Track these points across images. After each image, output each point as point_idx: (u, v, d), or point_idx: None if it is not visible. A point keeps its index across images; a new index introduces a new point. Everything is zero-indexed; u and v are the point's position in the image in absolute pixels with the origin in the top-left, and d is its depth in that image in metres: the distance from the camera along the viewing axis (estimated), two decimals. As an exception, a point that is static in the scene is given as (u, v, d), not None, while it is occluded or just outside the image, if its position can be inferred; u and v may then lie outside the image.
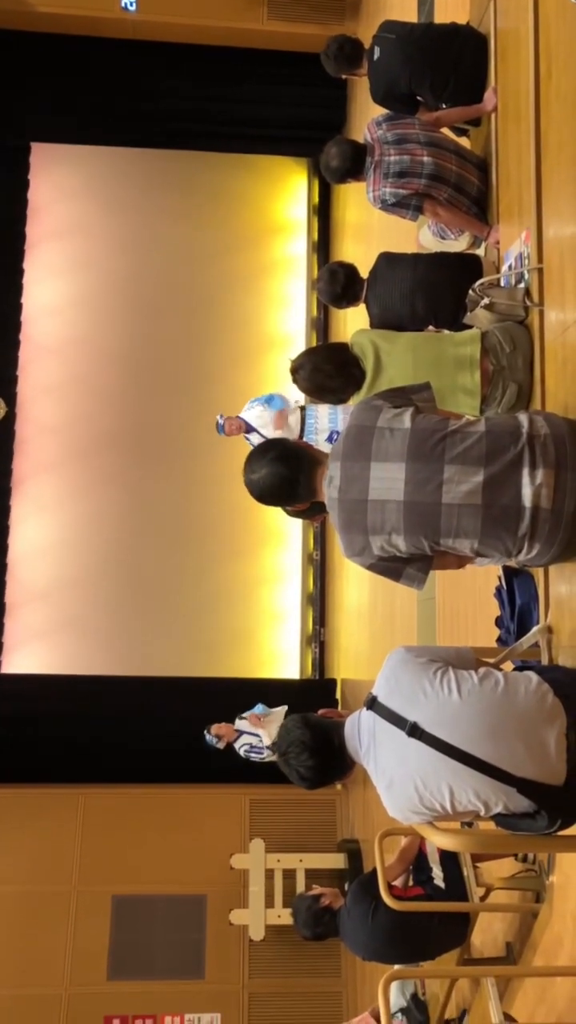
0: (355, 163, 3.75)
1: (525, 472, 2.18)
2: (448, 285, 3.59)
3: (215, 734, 7.09)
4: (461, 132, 4.09)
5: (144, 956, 7.15)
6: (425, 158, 3.66)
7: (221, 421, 6.74)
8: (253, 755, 7.10)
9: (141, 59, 8.67)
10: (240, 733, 7.13)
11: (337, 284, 3.93)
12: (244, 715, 7.21)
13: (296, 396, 6.73)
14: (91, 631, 9.10)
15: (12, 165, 9.17)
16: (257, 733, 7.07)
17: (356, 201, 7.89)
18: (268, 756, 6.98)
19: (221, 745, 7.10)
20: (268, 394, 6.86)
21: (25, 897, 7.23)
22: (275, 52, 8.73)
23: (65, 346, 9.51)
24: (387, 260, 3.87)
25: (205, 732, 7.11)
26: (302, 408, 6.36)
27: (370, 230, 7.28)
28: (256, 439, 6.69)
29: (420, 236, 4.49)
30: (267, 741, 7.00)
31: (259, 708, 7.19)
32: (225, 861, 7.14)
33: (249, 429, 6.68)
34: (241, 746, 7.11)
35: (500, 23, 3.66)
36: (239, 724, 7.18)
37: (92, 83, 8.66)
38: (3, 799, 7.54)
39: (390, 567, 2.35)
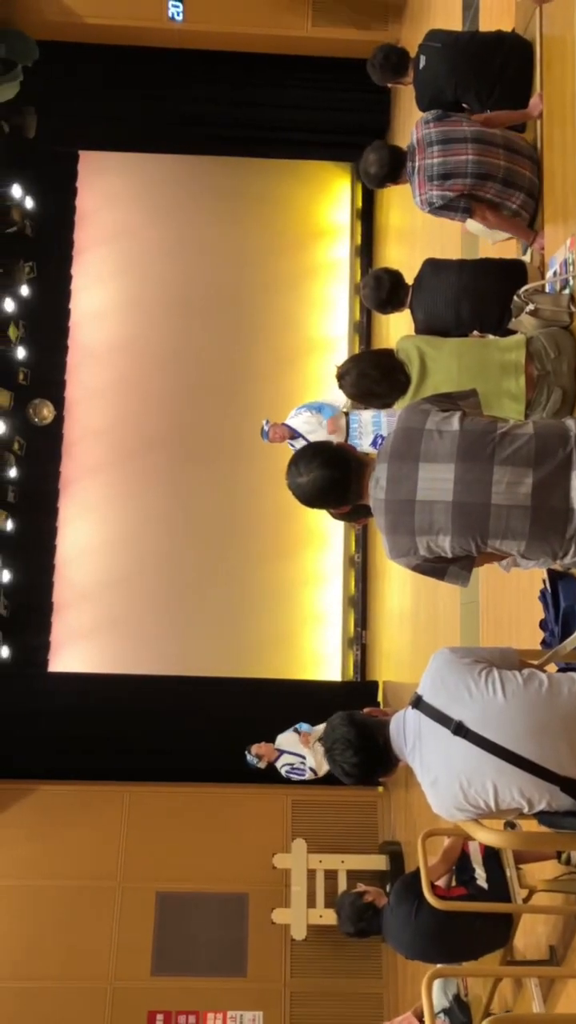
0: (393, 168, 3.81)
1: (574, 475, 2.21)
2: (493, 291, 3.62)
3: (256, 754, 7.15)
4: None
5: (187, 953, 7.23)
6: (469, 156, 3.68)
7: (267, 428, 6.78)
8: (294, 775, 7.15)
9: (187, 67, 8.79)
10: (281, 753, 7.18)
11: (382, 290, 3.97)
12: (295, 728, 7.23)
13: (340, 401, 6.79)
14: (135, 631, 9.22)
15: (61, 172, 9.34)
16: (302, 754, 7.11)
17: (399, 205, 7.93)
18: (309, 776, 7.06)
19: (262, 765, 7.17)
20: (316, 401, 6.92)
21: (71, 892, 7.35)
22: (319, 58, 8.79)
23: (111, 350, 9.66)
24: (432, 266, 3.90)
25: (246, 752, 7.17)
26: (345, 414, 6.40)
27: (413, 234, 7.31)
28: (300, 445, 6.72)
29: (467, 223, 4.50)
30: (311, 762, 7.04)
31: (304, 727, 7.23)
32: (267, 860, 7.20)
33: (294, 436, 6.70)
34: (282, 766, 7.15)
35: (546, 30, 3.68)
36: (279, 743, 7.22)
37: (139, 91, 8.79)
38: (50, 795, 7.69)
39: (435, 567, 2.38)
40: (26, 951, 7.14)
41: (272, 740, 7.27)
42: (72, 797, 7.69)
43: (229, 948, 7.24)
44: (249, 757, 7.16)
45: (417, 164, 3.70)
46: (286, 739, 7.24)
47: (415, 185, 3.74)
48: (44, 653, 8.93)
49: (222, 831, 7.55)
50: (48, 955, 7.14)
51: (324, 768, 6.96)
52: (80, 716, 8.02)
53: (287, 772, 7.13)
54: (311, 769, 7.07)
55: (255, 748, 7.15)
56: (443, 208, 3.71)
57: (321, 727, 7.03)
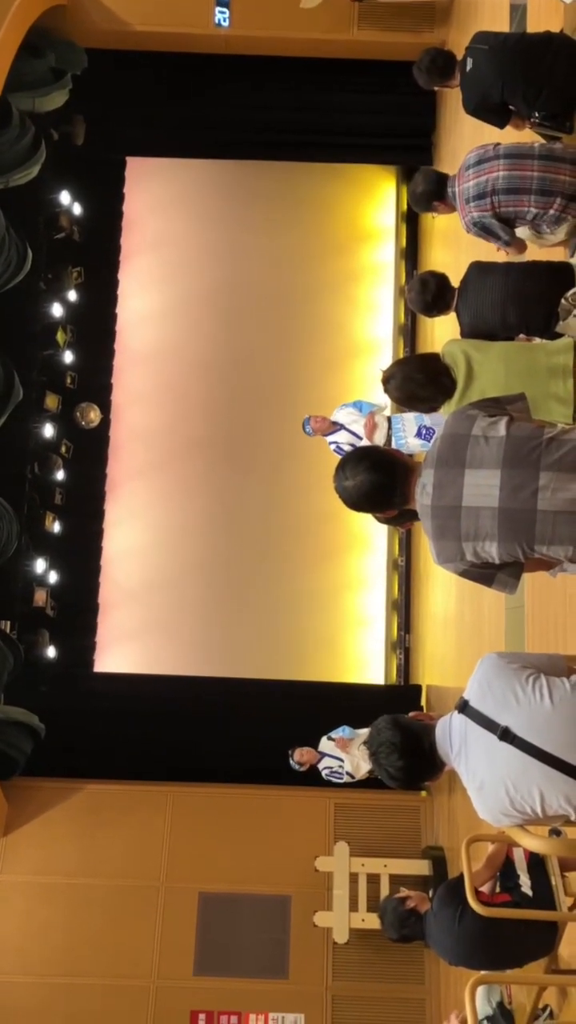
0: (438, 188, 3.87)
1: None
2: (540, 294, 3.60)
3: (298, 760, 7.19)
4: (554, 139, 4.09)
5: (229, 953, 7.26)
6: (501, 172, 3.70)
7: (308, 425, 6.75)
8: (334, 779, 7.19)
9: (232, 73, 8.84)
10: (322, 756, 7.21)
11: (428, 293, 3.97)
12: (331, 735, 7.25)
13: (383, 403, 6.77)
14: (180, 632, 9.30)
15: (108, 179, 9.46)
16: (340, 757, 7.13)
17: (445, 212, 7.88)
18: (347, 779, 7.08)
19: (304, 769, 7.20)
20: (357, 400, 6.91)
21: (116, 891, 7.43)
22: (364, 61, 8.77)
23: (157, 354, 9.76)
24: (478, 269, 3.89)
25: (289, 756, 7.21)
26: (388, 419, 6.40)
27: (459, 237, 7.26)
28: (343, 438, 6.69)
29: (516, 230, 4.50)
30: (348, 767, 7.07)
31: (344, 731, 7.24)
32: (309, 863, 7.21)
33: (336, 427, 6.64)
34: (324, 769, 7.19)
35: (595, 30, 3.65)
36: (323, 746, 7.25)
37: (185, 98, 8.86)
38: (96, 795, 7.77)
39: (483, 573, 2.38)
40: (72, 948, 7.22)
41: (315, 743, 7.29)
42: (117, 797, 7.77)
43: (271, 950, 7.26)
44: (292, 762, 7.20)
45: (457, 189, 3.76)
46: (327, 744, 7.27)
47: (459, 209, 3.79)
48: (90, 654, 9.05)
49: (265, 833, 7.57)
50: (93, 952, 7.22)
51: (362, 772, 6.97)
52: (126, 716, 8.10)
53: (327, 775, 7.16)
54: (348, 773, 7.09)
55: (297, 754, 7.19)
56: (485, 230, 3.76)
57: (363, 731, 7.05)
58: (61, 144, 8.58)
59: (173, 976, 7.19)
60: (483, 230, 3.77)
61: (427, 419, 6.26)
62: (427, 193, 3.91)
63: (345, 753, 7.10)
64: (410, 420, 6.37)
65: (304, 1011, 7.08)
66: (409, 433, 6.11)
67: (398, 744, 2.27)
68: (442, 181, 3.87)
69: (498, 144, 3.79)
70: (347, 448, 6.40)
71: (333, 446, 6.81)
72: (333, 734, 7.27)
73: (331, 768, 7.17)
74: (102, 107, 8.68)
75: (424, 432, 6.04)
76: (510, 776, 2.11)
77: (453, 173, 3.91)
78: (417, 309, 4.15)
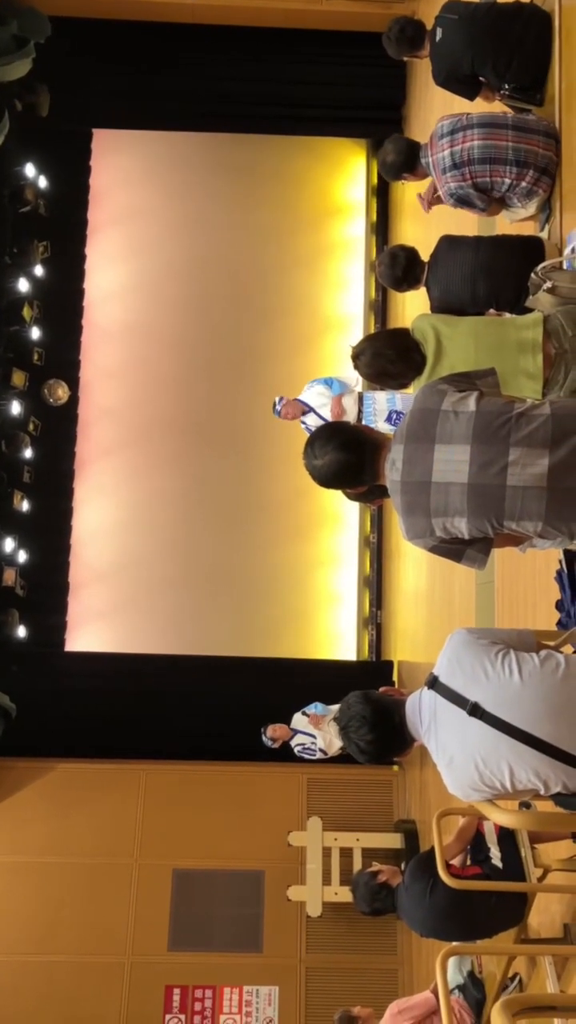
0: (408, 158, 3.82)
1: None
2: (510, 268, 3.59)
3: (270, 736, 7.21)
4: (524, 111, 4.06)
5: (204, 929, 7.31)
6: (476, 142, 3.67)
7: (279, 405, 6.66)
8: (306, 755, 7.22)
9: (200, 42, 8.70)
10: (295, 732, 7.24)
11: (398, 267, 3.95)
12: (304, 711, 7.27)
13: (353, 378, 6.72)
14: (151, 611, 9.27)
15: (74, 151, 9.30)
16: (313, 734, 7.16)
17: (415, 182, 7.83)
18: (320, 756, 7.12)
19: (276, 746, 7.22)
20: (327, 377, 6.85)
21: (89, 869, 7.44)
22: (333, 32, 8.67)
23: (126, 330, 9.64)
24: (448, 243, 3.87)
25: (262, 733, 7.22)
26: (360, 395, 6.36)
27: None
28: (312, 420, 6.67)
29: None
30: (321, 743, 7.11)
31: (317, 707, 7.26)
32: (283, 838, 7.25)
33: (307, 411, 6.59)
34: (296, 745, 7.23)
35: (565, 0, 3.62)
36: (295, 722, 7.27)
37: (151, 68, 8.71)
38: (67, 774, 7.76)
39: (452, 549, 2.38)
40: (46, 926, 7.23)
41: (287, 719, 7.31)
42: (89, 776, 7.76)
43: (245, 924, 7.32)
44: (264, 739, 7.22)
45: (432, 159, 3.71)
46: (300, 720, 7.29)
47: (435, 179, 3.75)
48: (61, 633, 8.99)
49: (238, 809, 7.61)
50: (67, 931, 7.24)
51: (334, 748, 7.01)
52: (97, 695, 8.08)
53: (299, 751, 7.20)
54: (321, 750, 7.13)
55: (270, 730, 7.21)
56: (462, 201, 3.72)
57: (335, 707, 7.08)
58: (25, 115, 8.39)
59: (148, 952, 7.23)
60: (460, 201, 3.74)
61: (399, 403, 6.25)
62: (397, 164, 3.88)
63: (318, 730, 7.14)
64: (382, 402, 6.35)
65: (278, 983, 7.16)
66: (380, 417, 6.10)
67: (368, 718, 2.28)
68: (413, 150, 3.83)
69: (470, 113, 3.76)
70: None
71: (303, 426, 6.75)
72: (307, 710, 7.30)
73: (303, 744, 7.21)
74: (67, 77, 8.49)
75: (395, 417, 6.04)
76: (480, 751, 2.11)
77: (424, 143, 3.87)
78: (387, 283, 4.13)
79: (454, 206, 3.89)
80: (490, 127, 3.63)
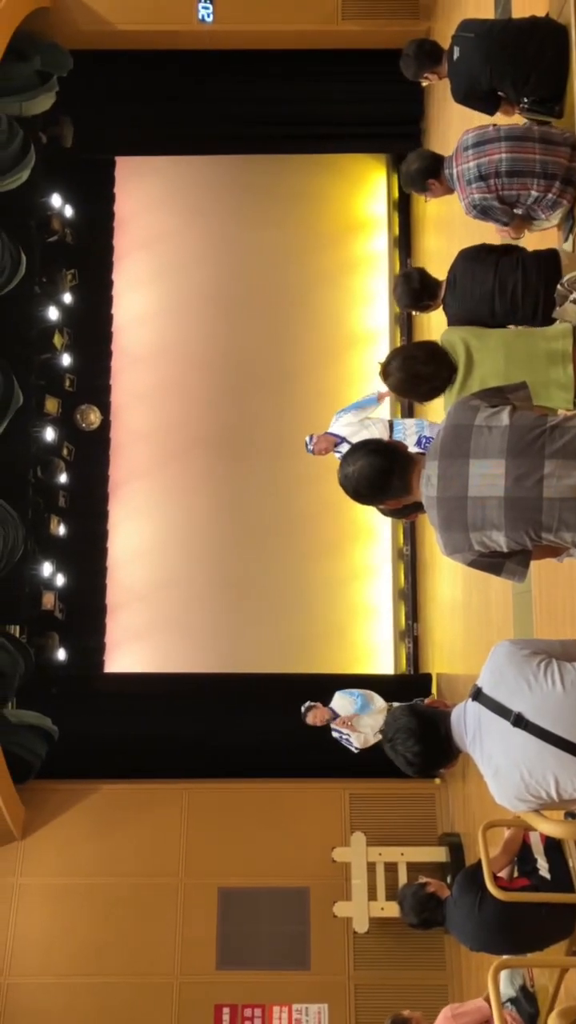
0: (431, 168, 3.84)
1: None
2: (527, 285, 3.60)
3: (311, 723, 7.13)
4: (544, 124, 4.08)
5: (251, 947, 7.30)
6: (504, 155, 3.67)
7: (310, 444, 6.78)
8: (342, 741, 7.17)
9: (218, 68, 8.82)
10: (335, 715, 7.18)
11: (413, 282, 3.98)
12: (340, 694, 7.24)
13: (375, 402, 6.86)
14: (188, 630, 9.33)
15: (98, 179, 9.47)
16: (347, 734, 7.11)
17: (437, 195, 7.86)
18: (355, 749, 7.04)
19: (318, 723, 7.14)
20: (349, 405, 6.98)
21: (135, 889, 7.46)
22: (350, 51, 8.76)
23: (154, 353, 9.76)
24: (465, 260, 3.87)
25: (302, 716, 7.14)
26: (389, 422, 6.45)
27: (451, 223, 7.27)
28: (345, 449, 6.76)
29: None
30: (356, 743, 7.05)
31: (359, 700, 7.19)
32: (327, 854, 7.23)
33: (339, 442, 6.71)
34: (334, 730, 7.17)
35: (581, 14, 3.64)
36: (335, 704, 7.21)
37: (171, 95, 8.85)
38: (111, 795, 7.81)
39: (491, 562, 2.39)
40: (95, 948, 7.27)
41: (325, 737, 7.26)
42: (133, 796, 7.81)
43: (292, 942, 7.29)
44: (303, 714, 7.14)
45: (456, 170, 3.72)
46: (340, 702, 7.22)
47: (459, 191, 3.76)
48: (100, 655, 9.08)
49: (281, 826, 7.60)
50: (116, 951, 7.26)
51: (370, 744, 6.93)
52: (137, 715, 8.14)
53: (337, 736, 7.13)
54: (357, 747, 7.06)
55: (310, 716, 7.11)
56: (484, 212, 3.73)
57: (374, 704, 7.06)
58: (50, 147, 8.58)
59: (196, 971, 7.23)
60: (482, 212, 3.75)
61: (427, 429, 6.32)
62: (422, 170, 3.86)
63: (352, 731, 7.06)
64: (411, 428, 6.47)
65: (327, 1001, 7.12)
66: (410, 442, 6.14)
67: (414, 730, 2.30)
68: (437, 159, 3.84)
69: (497, 126, 3.77)
70: None
71: (338, 455, 6.84)
72: (346, 694, 7.22)
73: (341, 733, 7.15)
74: (89, 108, 8.67)
75: (424, 442, 6.12)
76: (525, 761, 2.13)
77: (448, 155, 3.89)
78: (406, 303, 4.14)
79: (475, 217, 3.90)
80: (518, 140, 3.64)
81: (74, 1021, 7.06)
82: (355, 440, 6.42)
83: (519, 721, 2.13)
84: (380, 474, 2.45)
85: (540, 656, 2.17)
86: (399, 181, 9.57)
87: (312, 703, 7.19)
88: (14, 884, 7.46)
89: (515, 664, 2.18)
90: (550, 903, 3.65)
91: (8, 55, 7.48)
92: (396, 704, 6.69)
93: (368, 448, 2.51)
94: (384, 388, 7.13)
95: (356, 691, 7.29)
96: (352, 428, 6.61)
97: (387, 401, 7.02)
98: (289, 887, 7.43)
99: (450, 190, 3.88)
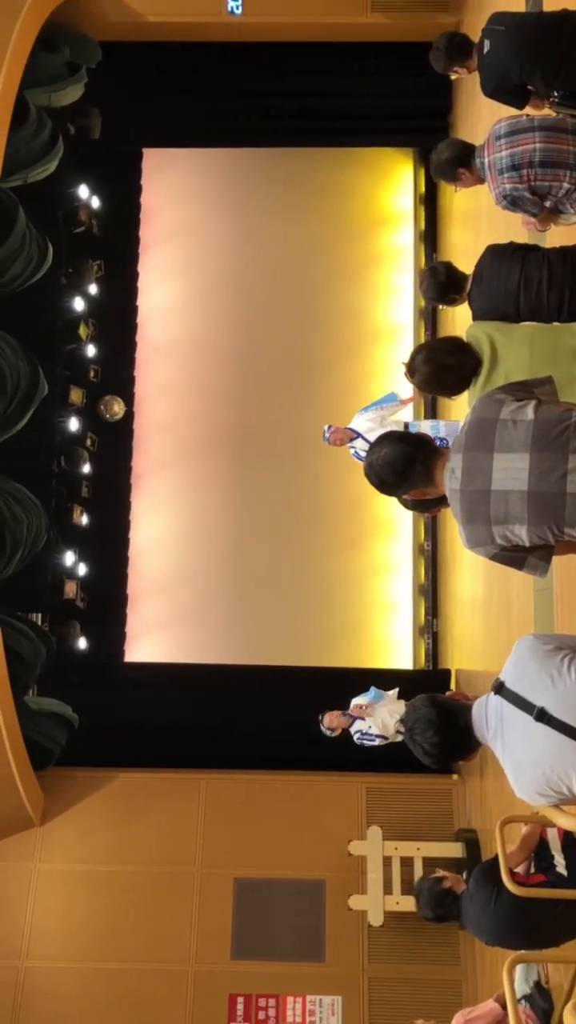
0: (462, 156, 3.80)
1: None
2: (552, 281, 3.58)
3: (328, 726, 7.18)
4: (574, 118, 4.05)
5: (266, 938, 7.34)
6: (538, 144, 3.63)
7: (328, 433, 7.02)
8: (366, 742, 7.16)
9: (246, 60, 8.82)
10: (353, 720, 7.20)
11: (439, 275, 3.95)
12: (355, 700, 7.26)
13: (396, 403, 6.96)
14: (208, 621, 9.36)
15: (125, 171, 9.49)
16: (365, 720, 7.13)
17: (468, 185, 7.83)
18: (379, 742, 7.05)
19: (335, 734, 7.19)
20: (371, 403, 7.10)
21: (152, 878, 7.52)
22: (378, 44, 8.73)
23: (179, 345, 9.79)
24: (492, 255, 3.85)
25: (319, 721, 7.21)
26: (406, 424, 6.49)
27: (478, 218, 7.24)
28: (361, 445, 6.86)
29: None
30: (375, 729, 7.05)
31: (371, 692, 7.24)
32: (343, 847, 7.25)
33: (355, 437, 6.91)
34: (355, 732, 7.18)
35: (613, 7, 3.61)
36: (353, 708, 7.23)
37: (198, 87, 8.86)
38: (129, 783, 7.87)
39: (513, 556, 2.39)
40: (110, 935, 7.33)
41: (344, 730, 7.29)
42: (151, 785, 7.86)
43: (307, 933, 7.32)
44: (323, 728, 7.17)
45: (487, 159, 3.68)
46: (352, 703, 7.23)
47: (489, 181, 3.72)
48: (120, 644, 9.13)
49: (297, 818, 7.63)
50: (131, 939, 7.32)
51: (391, 730, 6.92)
52: (157, 705, 8.18)
53: (359, 739, 7.12)
54: (379, 735, 7.05)
55: (327, 719, 7.15)
56: (515, 203, 3.69)
57: (389, 693, 7.07)
58: (78, 138, 8.61)
59: (211, 960, 7.28)
60: (512, 203, 3.71)
61: (443, 430, 6.35)
62: (452, 159, 3.82)
63: (368, 717, 7.07)
64: (426, 429, 6.58)
65: (341, 993, 7.15)
66: None
67: (434, 720, 2.31)
68: (468, 148, 3.80)
69: (531, 116, 3.73)
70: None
71: (352, 451, 7.08)
72: (359, 698, 7.24)
73: (362, 731, 7.12)
74: (117, 100, 8.70)
75: (439, 444, 6.15)
76: (547, 756, 2.13)
77: (479, 144, 3.86)
78: (433, 295, 4.11)
79: (505, 208, 3.86)
80: (553, 130, 3.60)
81: (90, 1006, 7.13)
82: (371, 437, 6.47)
83: (542, 716, 2.13)
84: (403, 461, 2.46)
85: (564, 651, 2.17)
86: (429, 171, 9.51)
87: (328, 712, 7.21)
88: (32, 870, 7.53)
89: (538, 658, 2.18)
90: (566, 899, 3.64)
91: (38, 46, 7.52)
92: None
93: (393, 436, 2.54)
94: (408, 393, 7.23)
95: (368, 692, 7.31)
96: (370, 425, 6.69)
97: (410, 406, 7.15)
98: (305, 879, 7.46)
99: (481, 180, 3.84)
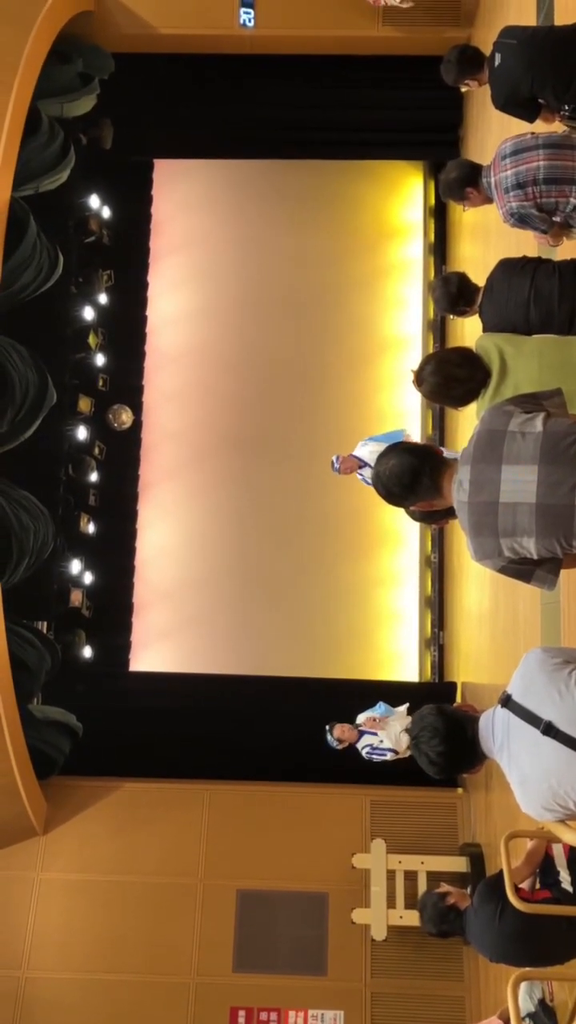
0: (470, 176, 3.82)
1: None
2: (563, 294, 3.58)
3: (336, 737, 7.13)
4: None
5: (268, 950, 7.29)
6: (542, 162, 3.65)
7: (336, 463, 7.27)
8: (375, 756, 7.11)
9: (258, 72, 8.86)
10: (361, 734, 7.16)
11: (452, 285, 3.95)
12: (363, 714, 7.24)
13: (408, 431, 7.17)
14: (213, 631, 9.35)
15: (136, 181, 9.54)
16: (376, 734, 7.09)
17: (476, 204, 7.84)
18: (390, 756, 7.00)
19: (342, 747, 7.15)
20: (381, 434, 7.33)
21: (154, 888, 7.49)
22: (388, 57, 8.76)
23: (187, 354, 9.81)
24: (504, 268, 3.86)
25: (327, 733, 7.17)
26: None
27: (487, 231, 7.25)
28: (368, 473, 6.94)
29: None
30: (388, 742, 7.01)
31: (380, 707, 7.22)
32: (346, 860, 7.22)
33: (362, 465, 7.14)
34: (363, 747, 7.13)
35: (625, 22, 3.62)
36: (360, 721, 7.20)
37: (210, 99, 8.91)
38: (132, 793, 7.84)
39: (521, 569, 2.38)
40: (111, 945, 7.30)
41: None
42: (154, 795, 7.83)
43: (309, 947, 7.28)
44: (330, 739, 7.12)
45: (494, 179, 3.71)
46: (361, 717, 7.20)
47: (497, 200, 3.74)
48: (125, 653, 9.12)
49: (301, 830, 7.59)
50: (133, 950, 7.29)
51: (403, 744, 6.87)
52: (161, 715, 8.17)
53: (368, 754, 7.06)
54: (390, 749, 6.99)
55: (336, 730, 7.10)
56: (522, 220, 3.71)
57: (399, 708, 7.04)
58: (89, 148, 8.66)
59: (212, 972, 7.23)
60: (520, 220, 3.73)
61: (445, 452, 6.41)
62: (460, 179, 3.84)
63: (381, 731, 7.02)
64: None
65: (343, 1008, 7.10)
66: None
67: (440, 730, 2.29)
68: (476, 169, 3.83)
69: (536, 134, 3.75)
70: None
71: (360, 477, 7.30)
72: (368, 712, 7.21)
73: (371, 745, 7.08)
74: (129, 110, 8.75)
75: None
76: (553, 771, 2.11)
77: (486, 164, 3.88)
78: (443, 306, 4.12)
79: (513, 225, 3.88)
80: (557, 147, 3.62)
81: (91, 1017, 7.09)
82: None
83: (549, 730, 2.12)
84: (411, 472, 2.46)
85: (572, 665, 2.16)
86: (437, 190, 9.53)
87: (337, 724, 7.17)
88: (34, 879, 7.51)
89: (546, 672, 2.17)
90: (571, 916, 3.61)
91: (51, 57, 7.57)
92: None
93: (401, 448, 2.54)
94: (416, 436, 7.46)
95: (376, 707, 7.29)
96: (376, 455, 6.72)
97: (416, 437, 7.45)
98: (308, 891, 7.42)
99: (488, 200, 3.86)
